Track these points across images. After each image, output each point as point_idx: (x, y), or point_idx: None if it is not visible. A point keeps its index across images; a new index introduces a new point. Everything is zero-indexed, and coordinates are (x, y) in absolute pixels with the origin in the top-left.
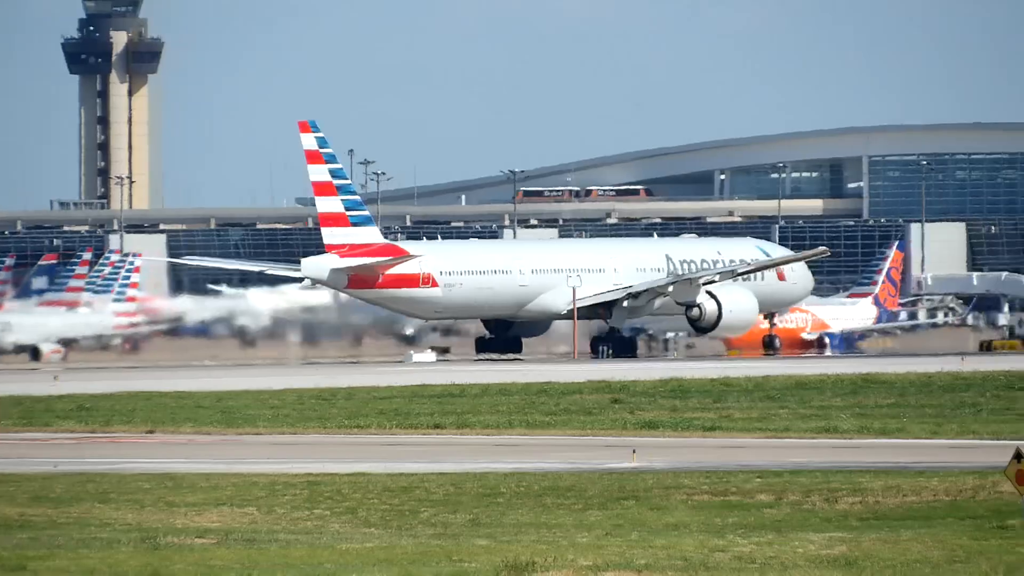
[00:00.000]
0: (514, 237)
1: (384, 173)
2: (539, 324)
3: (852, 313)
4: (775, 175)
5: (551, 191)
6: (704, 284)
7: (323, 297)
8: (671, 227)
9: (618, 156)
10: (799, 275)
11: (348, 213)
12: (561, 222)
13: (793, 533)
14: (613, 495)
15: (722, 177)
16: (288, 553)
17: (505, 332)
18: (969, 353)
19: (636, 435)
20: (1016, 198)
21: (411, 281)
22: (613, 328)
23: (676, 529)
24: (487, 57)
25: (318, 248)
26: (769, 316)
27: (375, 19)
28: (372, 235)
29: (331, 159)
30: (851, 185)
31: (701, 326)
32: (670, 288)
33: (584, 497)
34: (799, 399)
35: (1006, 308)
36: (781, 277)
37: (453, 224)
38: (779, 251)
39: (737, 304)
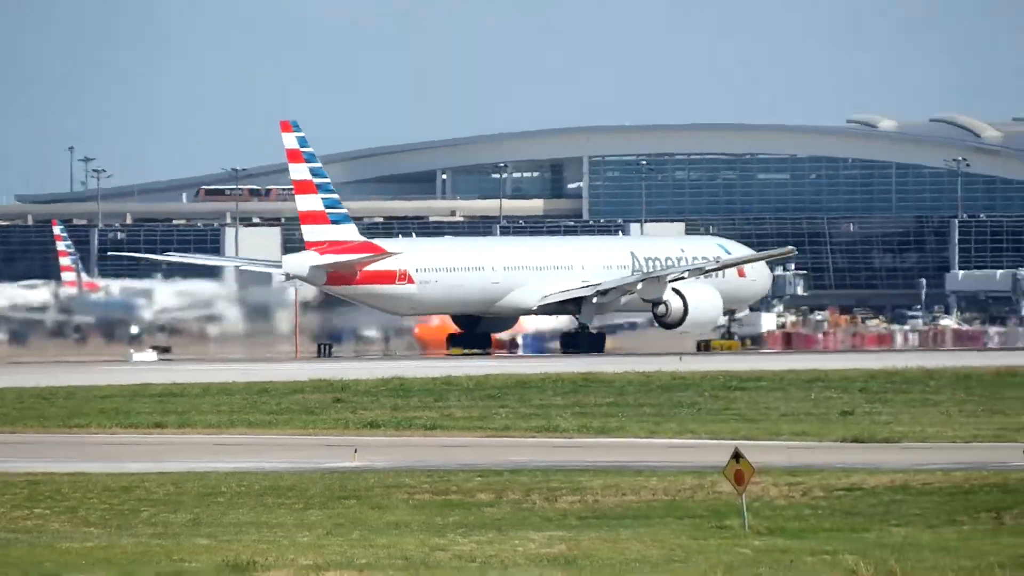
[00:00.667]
0: (236, 237)
1: (104, 170)
2: (506, 320)
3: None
4: (496, 175)
5: (231, 190)
6: (671, 281)
7: (44, 295)
8: (393, 227)
9: (339, 155)
10: (758, 272)
11: (327, 211)
12: (284, 221)
13: (513, 532)
14: (334, 494)
15: (443, 177)
16: (7, 552)
17: (473, 328)
18: (687, 353)
19: (358, 434)
20: (735, 198)
21: (388, 278)
22: (582, 324)
23: (397, 528)
24: (212, 53)
25: (39, 247)
26: (729, 312)
27: (106, 13)
28: (350, 233)
29: (311, 158)
30: (571, 185)
31: (667, 323)
32: (639, 285)
33: (305, 496)
34: (519, 398)
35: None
36: (741, 274)
37: (175, 222)
38: (740, 249)
39: (702, 301)
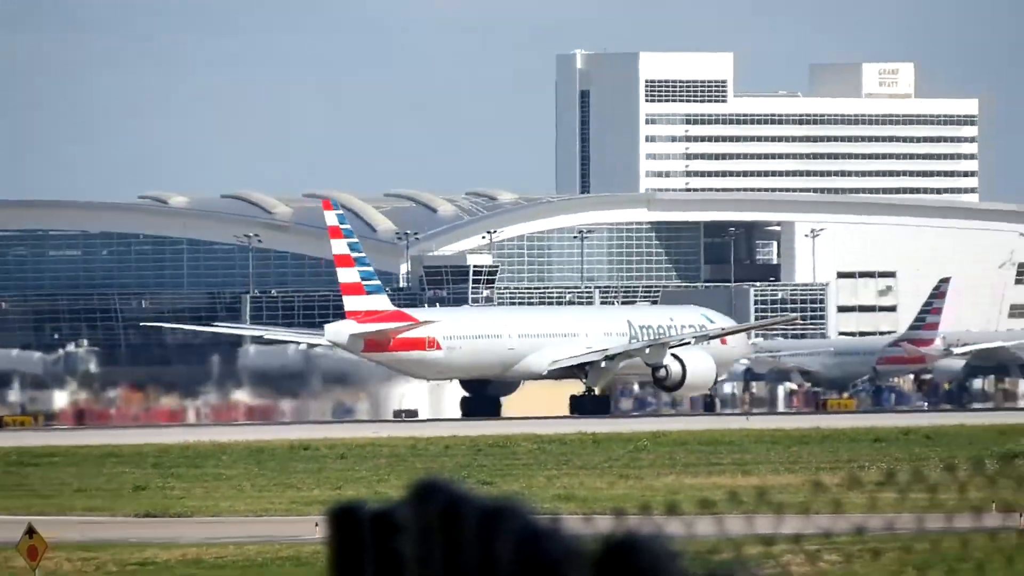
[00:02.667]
0: None
1: None
2: (511, 384)
3: None
4: None
5: None
6: (673, 347)
7: None
8: None
9: None
10: (737, 340)
11: (364, 283)
12: None
13: None
14: None
15: None
16: None
17: (483, 392)
18: None
19: None
20: (27, 275)
21: (418, 344)
22: (589, 387)
23: None
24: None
25: None
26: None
27: None
28: (383, 303)
29: (349, 234)
30: None
31: (667, 385)
32: (647, 351)
33: None
34: None
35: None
36: (723, 342)
37: None
38: (719, 317)
39: (699, 365)
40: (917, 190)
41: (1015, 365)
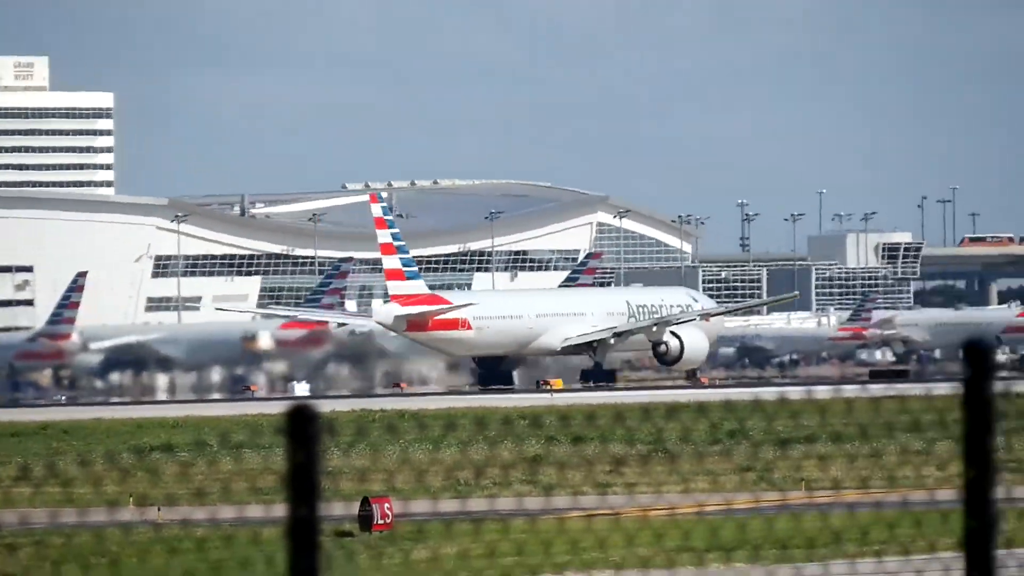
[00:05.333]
0: None
1: None
2: (522, 360)
3: None
4: None
5: None
6: (674, 325)
7: None
8: None
9: None
10: (716, 320)
11: (404, 269)
12: None
13: None
14: None
15: None
16: None
17: (496, 368)
18: None
19: None
20: None
21: (452, 324)
22: (598, 362)
23: None
24: None
25: None
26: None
27: None
28: (420, 287)
29: (392, 225)
30: None
31: (667, 360)
32: (653, 328)
33: None
34: None
35: None
36: (707, 320)
37: None
38: (702, 297)
39: (695, 342)
40: (55, 183)
41: (152, 359)
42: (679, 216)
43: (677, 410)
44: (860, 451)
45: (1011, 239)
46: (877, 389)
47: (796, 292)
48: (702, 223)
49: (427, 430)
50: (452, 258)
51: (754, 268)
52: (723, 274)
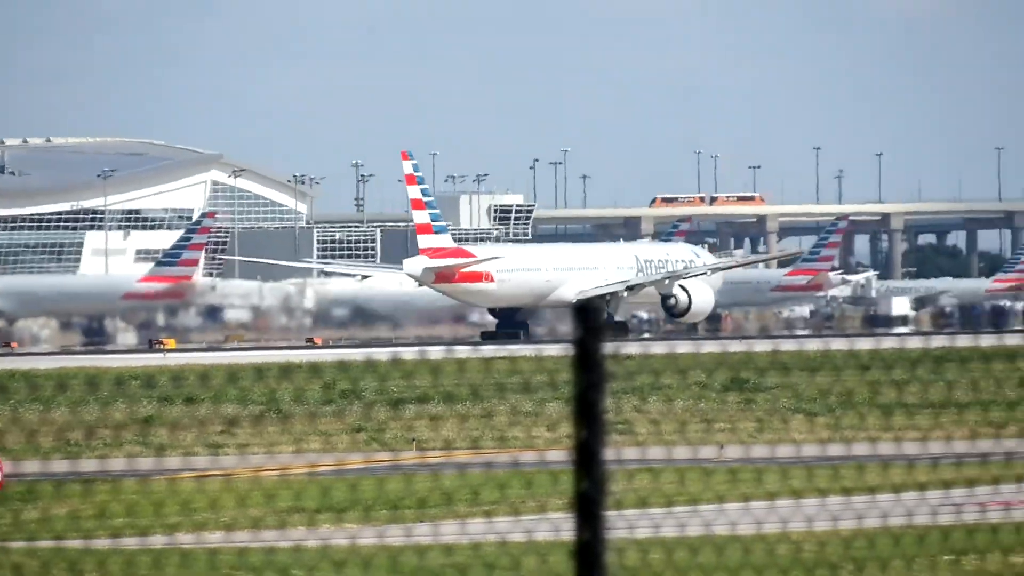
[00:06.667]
0: None
1: None
2: (537, 312)
3: None
4: None
5: None
6: (685, 279)
7: None
8: None
9: None
10: (718, 274)
11: (432, 224)
12: None
13: None
14: None
15: None
16: None
17: (511, 319)
18: None
19: None
20: None
21: (477, 277)
22: (610, 314)
23: None
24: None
25: None
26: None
27: None
28: (447, 241)
29: (421, 181)
30: None
31: (675, 312)
32: (665, 282)
33: None
34: None
35: None
36: (710, 274)
37: None
38: (703, 252)
39: (702, 296)
40: None
41: None
42: (294, 176)
43: (290, 370)
44: (472, 412)
45: (702, 199)
46: (489, 350)
47: (800, 248)
48: (317, 183)
49: (39, 390)
50: (64, 216)
51: (369, 228)
52: (337, 235)
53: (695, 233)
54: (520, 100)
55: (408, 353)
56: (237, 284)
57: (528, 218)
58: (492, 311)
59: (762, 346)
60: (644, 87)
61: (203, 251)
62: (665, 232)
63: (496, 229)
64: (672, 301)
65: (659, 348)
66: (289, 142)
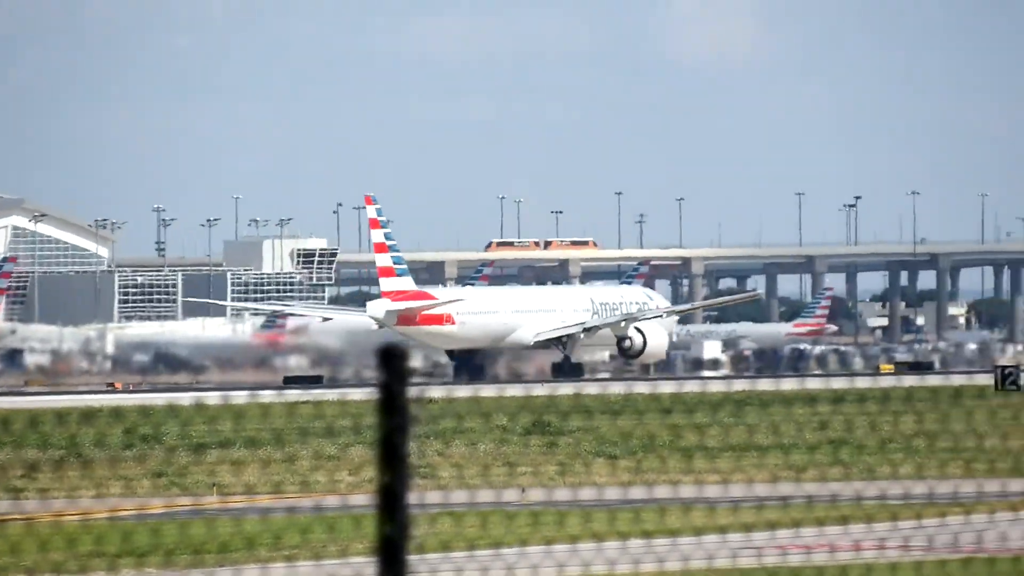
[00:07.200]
0: None
1: None
2: (494, 353)
3: None
4: None
5: None
6: (640, 321)
7: None
8: None
9: None
10: (670, 317)
11: (395, 267)
12: None
13: None
14: None
15: None
16: None
17: (469, 362)
18: None
19: None
20: None
21: (438, 320)
22: (567, 356)
23: None
24: None
25: None
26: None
27: None
28: (408, 284)
29: (385, 225)
30: None
31: (630, 354)
32: (621, 324)
33: None
34: None
35: None
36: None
37: None
38: (656, 295)
39: (656, 337)
40: None
41: None
42: (95, 220)
43: (91, 415)
44: (274, 456)
45: (536, 244)
46: (292, 395)
47: (757, 291)
48: (119, 227)
49: None
50: None
51: (170, 273)
52: (139, 279)
53: (500, 277)
54: (325, 144)
55: (211, 398)
56: (36, 328)
57: (332, 262)
58: (450, 353)
59: (565, 389)
60: (449, 131)
61: (3, 296)
62: (468, 277)
63: (299, 273)
64: (627, 343)
65: (463, 392)
66: (91, 186)
